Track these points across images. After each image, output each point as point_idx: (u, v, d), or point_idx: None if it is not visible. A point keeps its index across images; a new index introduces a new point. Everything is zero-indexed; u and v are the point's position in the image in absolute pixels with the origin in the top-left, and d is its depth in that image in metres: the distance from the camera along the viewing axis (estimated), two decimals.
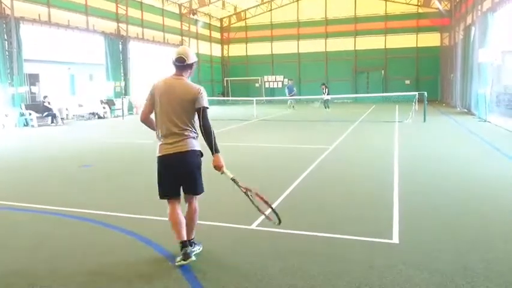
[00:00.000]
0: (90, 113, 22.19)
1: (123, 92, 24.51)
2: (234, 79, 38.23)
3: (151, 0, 28.47)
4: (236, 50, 38.93)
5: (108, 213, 5.20)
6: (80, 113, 22.02)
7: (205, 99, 3.55)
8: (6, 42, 17.67)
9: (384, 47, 34.12)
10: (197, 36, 34.48)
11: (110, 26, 24.31)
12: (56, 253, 4.01)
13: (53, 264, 3.74)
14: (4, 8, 17.84)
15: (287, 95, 25.96)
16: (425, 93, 17.34)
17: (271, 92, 36.61)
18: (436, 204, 5.40)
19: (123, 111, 22.23)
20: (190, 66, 3.64)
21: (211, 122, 3.56)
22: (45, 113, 18.42)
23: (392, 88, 32.32)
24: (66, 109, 20.88)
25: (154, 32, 28.76)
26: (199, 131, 3.62)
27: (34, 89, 21.42)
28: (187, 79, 3.65)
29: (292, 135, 13.37)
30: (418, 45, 33.24)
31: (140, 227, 4.65)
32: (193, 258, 3.54)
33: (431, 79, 32.30)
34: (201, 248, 3.87)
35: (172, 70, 3.68)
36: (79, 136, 14.49)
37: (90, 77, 25.23)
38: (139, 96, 25.21)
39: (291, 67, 36.27)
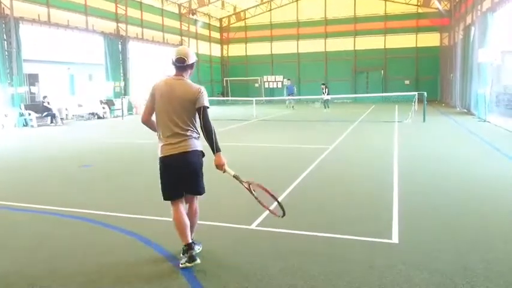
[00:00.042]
0: (89, 113, 22.19)
1: (123, 92, 24.51)
2: (233, 79, 38.24)
3: (151, 0, 28.48)
4: (236, 50, 38.94)
5: (108, 213, 5.19)
6: (79, 113, 22.02)
7: (205, 99, 3.54)
8: (5, 42, 17.67)
9: (383, 47, 34.15)
10: (196, 36, 34.48)
11: (110, 26, 24.31)
12: (55, 253, 4.01)
13: (53, 264, 3.73)
14: (3, 8, 17.83)
15: (285, 95, 25.95)
16: (425, 93, 17.36)
17: (271, 92, 36.62)
18: (436, 204, 5.40)
19: (122, 111, 22.23)
20: (190, 66, 3.63)
21: (212, 122, 3.56)
22: (45, 113, 18.42)
23: (391, 88, 32.34)
24: (66, 109, 20.87)
25: (154, 32, 28.77)
26: (201, 131, 3.61)
27: (33, 89, 21.42)
28: (187, 79, 3.65)
29: (292, 135, 13.37)
30: (418, 45, 33.27)
31: (140, 227, 4.65)
32: (198, 261, 3.52)
33: (430, 79, 32.33)
34: (201, 248, 3.87)
35: (172, 70, 3.67)
36: (79, 136, 14.48)
37: (90, 77, 25.22)
38: (139, 96, 25.24)
39: (291, 67, 36.28)
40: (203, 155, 3.67)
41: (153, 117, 3.70)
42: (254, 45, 37.83)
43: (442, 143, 11.08)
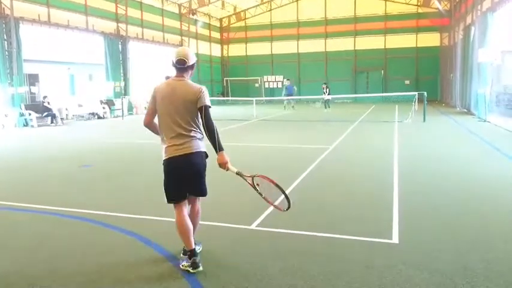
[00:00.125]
0: (89, 113, 22.20)
1: (123, 92, 24.52)
2: (233, 79, 38.25)
3: (151, 0, 28.48)
4: (236, 50, 38.95)
5: (108, 213, 5.19)
6: (79, 113, 22.03)
7: (206, 98, 3.54)
8: (5, 42, 17.68)
9: (383, 47, 34.15)
10: (197, 36, 34.49)
11: (110, 26, 24.32)
12: (55, 253, 4.01)
13: (53, 264, 3.73)
14: (4, 8, 17.84)
15: (283, 95, 25.91)
16: (425, 93, 17.36)
17: (271, 92, 36.62)
18: (436, 204, 5.40)
19: (122, 111, 22.24)
20: (191, 67, 3.63)
21: (214, 121, 3.55)
22: (45, 113, 18.43)
23: (392, 88, 32.35)
24: (66, 109, 20.88)
25: (154, 32, 28.77)
26: (203, 131, 3.60)
27: (34, 89, 21.43)
28: (188, 79, 3.65)
29: (292, 135, 13.37)
30: (418, 45, 33.28)
31: (140, 227, 4.65)
32: (201, 268, 3.48)
33: (431, 79, 32.33)
34: (201, 248, 3.87)
35: (173, 71, 3.67)
36: (79, 136, 14.48)
37: (90, 77, 25.23)
38: (139, 97, 25.25)
39: (291, 67, 36.29)
40: (206, 156, 3.67)
41: (155, 120, 3.69)
42: (254, 45, 37.84)
43: (442, 143, 11.08)
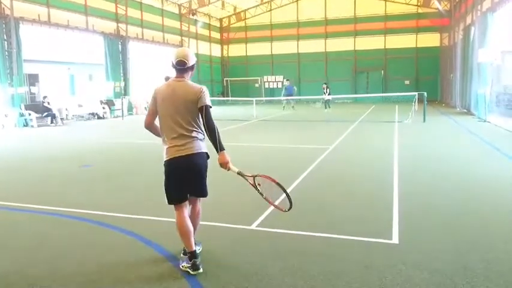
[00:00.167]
0: (89, 113, 22.21)
1: (123, 92, 24.51)
2: (233, 79, 38.26)
3: (151, 1, 28.49)
4: (236, 50, 38.95)
5: (108, 213, 5.19)
6: (79, 113, 22.03)
7: (207, 98, 3.54)
8: (5, 42, 17.68)
9: (383, 47, 34.16)
10: (197, 37, 34.49)
11: (110, 26, 24.32)
12: (55, 253, 4.01)
13: (53, 264, 3.73)
14: (4, 8, 17.85)
15: (282, 95, 25.88)
16: (425, 94, 17.37)
17: (271, 92, 36.62)
18: (436, 204, 5.40)
19: (122, 111, 22.24)
20: (191, 68, 3.63)
21: (215, 121, 3.55)
22: (45, 113, 18.43)
23: (392, 88, 32.36)
24: (66, 109, 20.87)
25: (154, 32, 28.77)
26: (205, 132, 3.60)
27: (34, 89, 21.41)
28: (188, 80, 3.65)
29: (292, 135, 13.37)
30: (418, 46, 33.28)
31: (140, 227, 4.65)
32: (201, 270, 3.47)
33: (431, 79, 32.34)
34: (201, 248, 3.87)
35: (172, 71, 3.66)
36: (79, 136, 14.48)
37: (90, 77, 25.23)
38: (139, 97, 25.25)
39: (291, 67, 36.29)
40: (208, 156, 3.67)
41: (156, 122, 3.68)
42: (254, 45, 37.84)
43: (442, 143, 11.09)
